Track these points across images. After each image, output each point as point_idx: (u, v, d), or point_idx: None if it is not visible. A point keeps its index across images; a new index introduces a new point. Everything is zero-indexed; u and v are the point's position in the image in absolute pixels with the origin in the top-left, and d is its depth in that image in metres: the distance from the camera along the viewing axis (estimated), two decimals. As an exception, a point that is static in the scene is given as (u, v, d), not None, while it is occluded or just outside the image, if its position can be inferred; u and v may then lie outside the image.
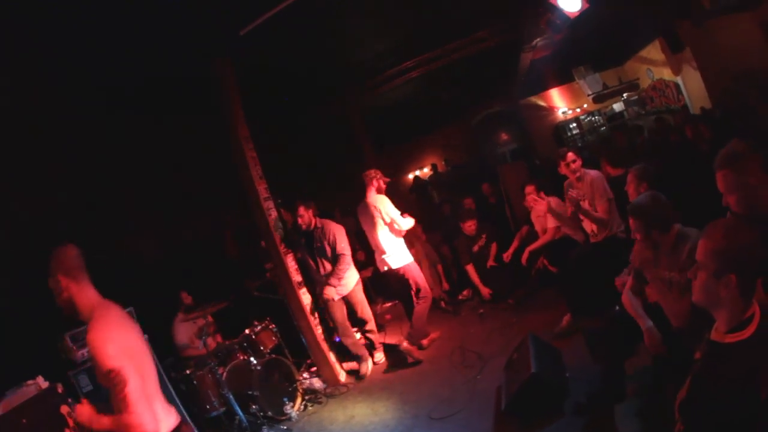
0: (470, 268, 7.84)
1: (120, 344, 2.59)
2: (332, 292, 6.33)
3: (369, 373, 6.52)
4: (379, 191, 6.53)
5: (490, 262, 7.89)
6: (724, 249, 1.93)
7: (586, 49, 12.98)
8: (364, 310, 6.68)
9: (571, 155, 6.06)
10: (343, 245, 6.44)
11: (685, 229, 3.27)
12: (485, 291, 7.70)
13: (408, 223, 6.47)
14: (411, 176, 18.05)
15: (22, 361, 4.21)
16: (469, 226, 7.95)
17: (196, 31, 5.86)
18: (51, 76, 5.42)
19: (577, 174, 5.68)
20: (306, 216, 6.46)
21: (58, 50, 5.06)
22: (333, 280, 6.34)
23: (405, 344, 6.33)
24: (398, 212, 6.45)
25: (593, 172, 5.67)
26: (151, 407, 2.63)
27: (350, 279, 6.52)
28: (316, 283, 6.73)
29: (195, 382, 5.92)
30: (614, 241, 5.30)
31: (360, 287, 6.69)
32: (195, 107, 7.09)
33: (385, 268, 6.57)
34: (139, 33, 5.38)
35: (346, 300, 6.55)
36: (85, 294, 2.74)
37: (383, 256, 6.50)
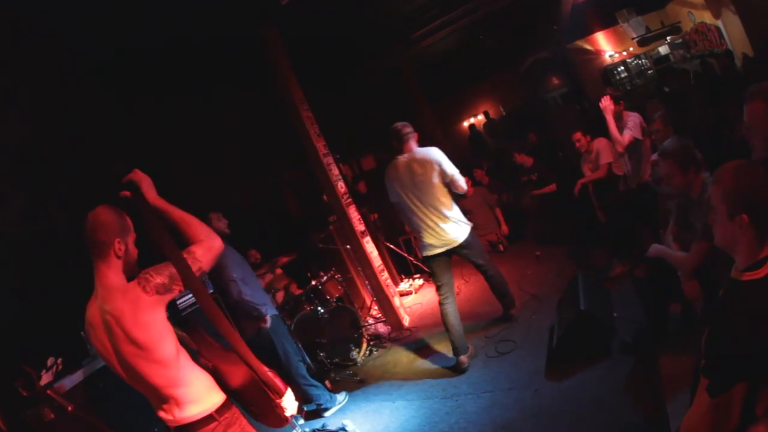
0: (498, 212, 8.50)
1: None
2: None
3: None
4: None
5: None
6: (733, 190, 1.94)
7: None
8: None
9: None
10: None
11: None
12: (504, 228, 8.36)
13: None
14: (466, 124, 18.19)
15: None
16: (523, 158, 8.39)
17: (241, 5, 5.94)
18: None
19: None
20: None
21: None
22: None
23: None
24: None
25: (633, 116, 5.56)
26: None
27: None
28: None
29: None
30: (646, 188, 5.21)
31: None
32: (243, 81, 7.40)
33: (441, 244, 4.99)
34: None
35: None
36: None
37: (442, 225, 4.91)
